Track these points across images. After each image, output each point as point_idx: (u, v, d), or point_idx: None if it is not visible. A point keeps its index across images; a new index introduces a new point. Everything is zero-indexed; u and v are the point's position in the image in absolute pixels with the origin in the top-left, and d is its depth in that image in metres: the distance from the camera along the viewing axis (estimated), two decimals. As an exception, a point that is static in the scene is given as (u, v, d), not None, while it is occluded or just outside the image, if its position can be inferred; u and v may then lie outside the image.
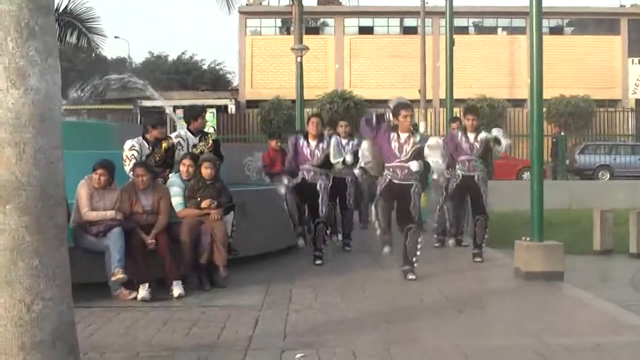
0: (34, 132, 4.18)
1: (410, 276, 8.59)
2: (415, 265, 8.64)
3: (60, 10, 19.17)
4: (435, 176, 8.75)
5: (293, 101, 27.37)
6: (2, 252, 4.13)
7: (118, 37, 47.70)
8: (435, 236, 11.73)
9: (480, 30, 41.82)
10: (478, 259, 10.10)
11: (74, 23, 20.22)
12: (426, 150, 8.43)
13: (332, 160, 9.78)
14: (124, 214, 7.83)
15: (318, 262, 9.83)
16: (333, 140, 9.99)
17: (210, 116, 33.15)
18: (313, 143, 9.88)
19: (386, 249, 8.78)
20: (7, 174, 4.14)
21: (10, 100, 4.14)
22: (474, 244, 10.26)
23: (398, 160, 8.52)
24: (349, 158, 9.84)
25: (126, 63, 50.62)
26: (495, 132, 10.35)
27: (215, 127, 34.60)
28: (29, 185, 4.17)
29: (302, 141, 9.94)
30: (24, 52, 4.17)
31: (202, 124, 9.36)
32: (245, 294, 7.83)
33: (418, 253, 8.62)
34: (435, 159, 8.42)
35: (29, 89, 4.17)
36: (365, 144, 9.23)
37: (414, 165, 8.45)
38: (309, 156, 9.82)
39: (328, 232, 10.24)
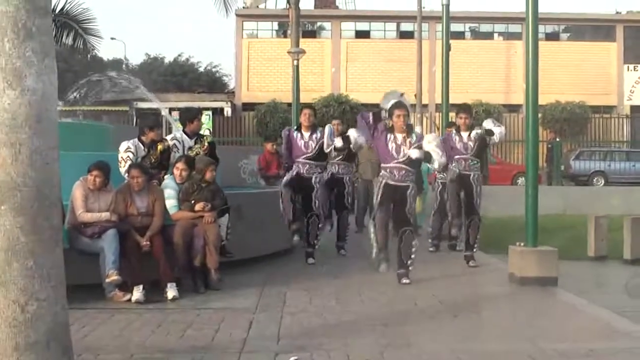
0: (30, 133, 4.18)
1: (405, 280, 8.60)
2: (410, 268, 8.65)
3: (57, 11, 19.14)
4: (436, 165, 8.67)
5: (289, 104, 27.35)
6: (-3, 252, 4.13)
7: (114, 39, 47.51)
8: (429, 240, 11.74)
9: (477, 35, 41.86)
10: (472, 263, 10.09)
11: (70, 24, 20.20)
12: (424, 143, 8.47)
13: (325, 149, 9.77)
14: (118, 215, 7.82)
15: (310, 260, 9.87)
16: (327, 129, 9.92)
17: (206, 119, 33.14)
18: (307, 134, 9.88)
19: (383, 267, 8.64)
20: (3, 175, 4.14)
21: (6, 100, 4.15)
22: (466, 244, 10.23)
23: (395, 161, 8.53)
24: (338, 142, 9.81)
25: (122, 64, 50.56)
26: (486, 123, 10.20)
27: (211, 130, 34.58)
28: (25, 185, 4.17)
29: (295, 133, 9.94)
30: (21, 53, 4.17)
31: (197, 126, 9.36)
32: (240, 296, 7.83)
33: (413, 256, 8.63)
34: (434, 148, 8.45)
35: (25, 90, 4.17)
36: (353, 130, 9.52)
37: (414, 153, 8.45)
38: (303, 147, 9.82)
39: (320, 225, 10.25)
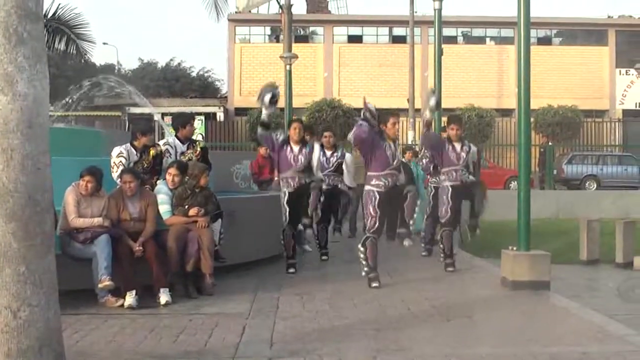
0: (21, 138, 4.18)
1: (407, 242, 8.77)
2: (411, 225, 8.78)
3: (49, 16, 19.11)
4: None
5: (282, 109, 27.32)
6: (-11, 258, 4.12)
7: (107, 44, 47.42)
8: (422, 245, 11.72)
9: (469, 40, 41.94)
10: (472, 232, 10.20)
11: (62, 29, 20.16)
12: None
13: (314, 170, 9.80)
14: (111, 220, 7.81)
15: (307, 247, 10.80)
16: (316, 149, 9.94)
17: (198, 124, 33.11)
18: (296, 148, 9.75)
19: (375, 284, 8.68)
20: (-5, 180, 4.14)
21: (-2, 106, 4.14)
22: (471, 215, 10.26)
23: (390, 167, 8.64)
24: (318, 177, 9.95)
25: (115, 69, 50.46)
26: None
27: (204, 135, 34.55)
28: (16, 191, 4.16)
29: (284, 146, 9.85)
30: (12, 58, 4.17)
31: (190, 131, 9.35)
32: (233, 301, 7.82)
33: (415, 216, 8.81)
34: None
35: (17, 95, 4.17)
36: (350, 159, 9.65)
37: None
38: (292, 161, 9.73)
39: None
